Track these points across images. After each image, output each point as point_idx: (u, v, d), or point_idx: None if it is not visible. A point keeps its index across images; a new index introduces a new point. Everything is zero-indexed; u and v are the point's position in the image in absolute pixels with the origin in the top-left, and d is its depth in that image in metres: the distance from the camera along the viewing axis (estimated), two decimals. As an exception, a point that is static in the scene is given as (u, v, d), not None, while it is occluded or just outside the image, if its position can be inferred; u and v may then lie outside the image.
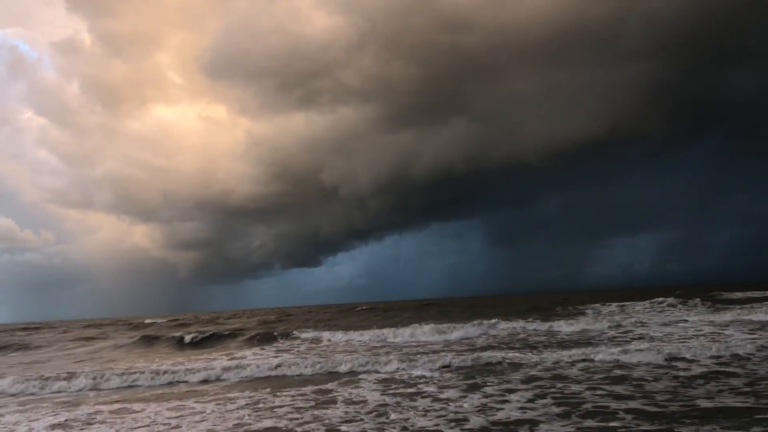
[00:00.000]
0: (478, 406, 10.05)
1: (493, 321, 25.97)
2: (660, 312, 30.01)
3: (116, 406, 12.27)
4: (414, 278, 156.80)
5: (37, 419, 11.32)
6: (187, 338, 28.25)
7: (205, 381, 15.26)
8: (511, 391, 11.18)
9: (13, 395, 14.82)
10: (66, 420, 11.05)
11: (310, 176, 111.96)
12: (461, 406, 10.12)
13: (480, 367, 14.37)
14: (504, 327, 24.79)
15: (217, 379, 15.37)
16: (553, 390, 11.06)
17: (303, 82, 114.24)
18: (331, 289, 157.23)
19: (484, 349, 18.04)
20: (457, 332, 23.33)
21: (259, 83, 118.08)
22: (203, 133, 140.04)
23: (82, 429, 10.26)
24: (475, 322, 25.40)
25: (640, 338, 18.78)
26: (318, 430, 9.17)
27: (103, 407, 12.19)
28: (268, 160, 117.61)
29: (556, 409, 9.56)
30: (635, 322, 24.84)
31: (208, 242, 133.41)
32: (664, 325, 23.03)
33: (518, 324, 25.43)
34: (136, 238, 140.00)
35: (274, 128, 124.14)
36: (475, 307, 41.69)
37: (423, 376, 13.37)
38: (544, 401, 10.18)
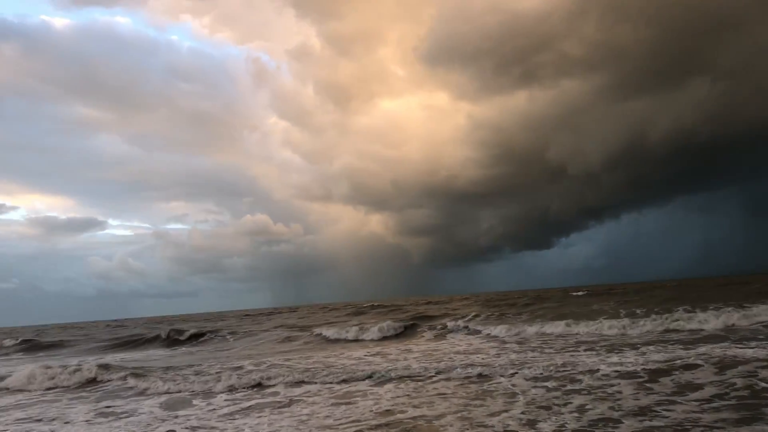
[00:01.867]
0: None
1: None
2: None
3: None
4: (658, 257, 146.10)
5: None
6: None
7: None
8: None
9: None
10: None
11: (535, 155, 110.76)
12: None
13: None
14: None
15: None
16: None
17: (522, 59, 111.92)
18: (566, 271, 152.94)
19: None
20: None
21: (477, 65, 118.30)
22: (427, 121, 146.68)
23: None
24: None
25: None
26: None
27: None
28: (491, 143, 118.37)
29: None
30: None
31: (437, 227, 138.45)
32: None
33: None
34: (372, 226, 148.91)
35: (495, 109, 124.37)
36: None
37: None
38: None
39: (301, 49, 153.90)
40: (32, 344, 37.19)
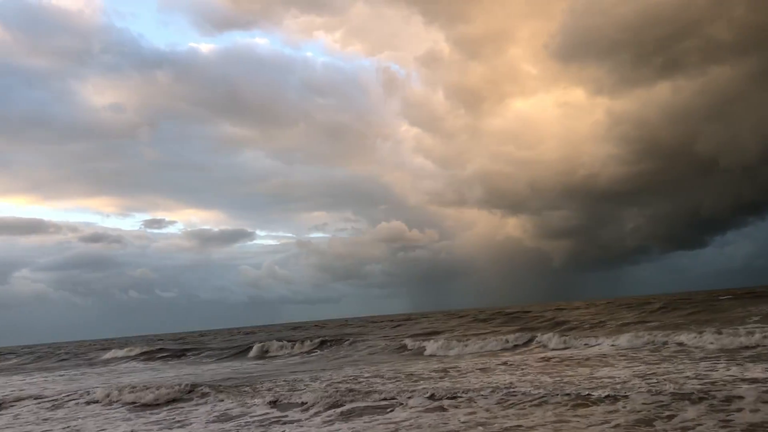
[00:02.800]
0: None
1: None
2: None
3: None
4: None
5: None
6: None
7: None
8: None
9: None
10: None
11: (682, 149, 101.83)
12: None
13: None
14: None
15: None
16: None
17: (664, 48, 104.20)
18: (723, 272, 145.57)
19: None
20: None
21: (614, 58, 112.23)
22: (562, 119, 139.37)
23: None
24: None
25: None
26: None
27: None
28: (633, 138, 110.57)
29: None
30: None
31: (578, 229, 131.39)
32: None
33: None
34: (508, 230, 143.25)
35: (635, 103, 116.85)
36: None
37: None
38: None
39: (429, 55, 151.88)
40: (148, 355, 39.82)
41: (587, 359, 16.27)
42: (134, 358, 38.91)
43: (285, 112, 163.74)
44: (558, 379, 12.71)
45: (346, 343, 31.08)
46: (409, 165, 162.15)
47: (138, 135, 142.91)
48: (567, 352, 18.74)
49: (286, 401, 12.95)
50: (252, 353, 31.91)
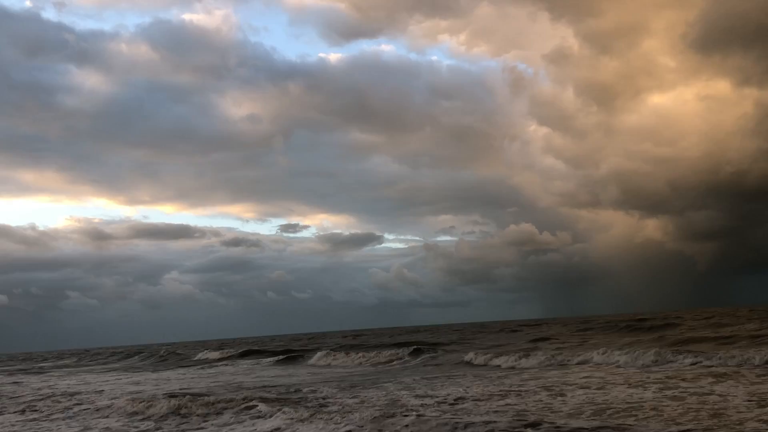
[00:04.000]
0: None
1: None
2: None
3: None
4: None
5: None
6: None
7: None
8: None
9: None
10: None
11: None
12: None
13: None
14: None
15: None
16: None
17: None
18: None
19: None
20: None
21: (762, 45, 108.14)
22: (705, 114, 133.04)
23: None
24: None
25: None
26: None
27: None
28: None
29: None
30: None
31: (726, 230, 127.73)
32: None
33: None
34: (647, 232, 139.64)
35: None
36: None
37: None
38: None
39: (558, 52, 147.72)
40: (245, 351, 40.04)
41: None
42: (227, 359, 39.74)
43: (411, 117, 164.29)
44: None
45: (427, 354, 29.05)
46: (538, 166, 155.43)
47: (273, 144, 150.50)
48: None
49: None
50: (314, 359, 31.12)
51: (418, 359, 27.25)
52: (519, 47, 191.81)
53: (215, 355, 42.23)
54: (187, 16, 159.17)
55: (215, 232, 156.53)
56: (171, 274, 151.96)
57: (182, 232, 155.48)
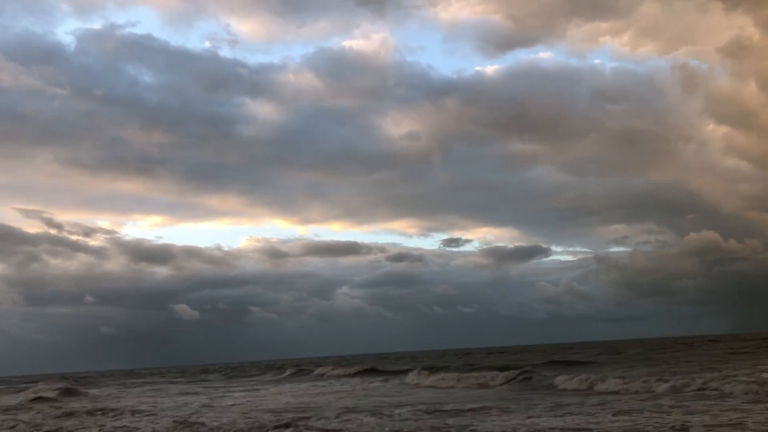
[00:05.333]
0: None
1: None
2: None
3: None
4: None
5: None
6: None
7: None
8: None
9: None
10: None
11: None
12: None
13: None
14: None
15: None
16: None
17: None
18: None
19: None
20: None
21: None
22: None
23: None
24: None
25: None
26: None
27: None
28: None
29: None
30: None
31: None
32: None
33: None
34: None
35: None
36: None
37: None
38: None
39: (735, 44, 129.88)
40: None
41: None
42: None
43: (574, 124, 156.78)
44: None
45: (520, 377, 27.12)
46: (719, 168, 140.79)
47: (432, 160, 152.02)
48: None
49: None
50: (409, 378, 30.81)
51: (505, 384, 25.95)
52: (690, 43, 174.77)
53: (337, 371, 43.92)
54: (347, 43, 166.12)
55: (381, 248, 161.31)
56: (342, 289, 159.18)
57: (350, 248, 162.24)
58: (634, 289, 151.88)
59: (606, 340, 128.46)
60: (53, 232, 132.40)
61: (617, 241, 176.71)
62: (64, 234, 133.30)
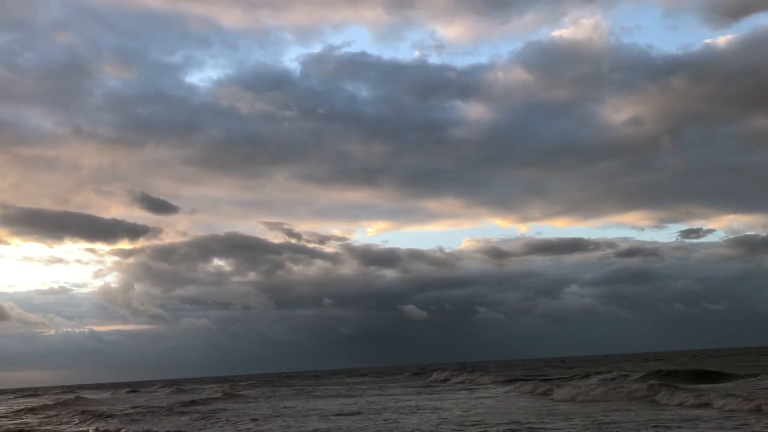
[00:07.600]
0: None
1: None
2: None
3: None
4: None
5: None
6: None
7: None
8: None
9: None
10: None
11: None
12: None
13: None
14: None
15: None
16: None
17: None
18: None
19: None
20: None
21: None
22: None
23: None
24: None
25: None
26: None
27: None
28: None
29: None
30: None
31: None
32: None
33: None
34: None
35: None
36: None
37: None
38: None
39: None
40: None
41: None
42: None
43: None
44: None
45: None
46: None
47: (660, 145, 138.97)
48: None
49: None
50: (557, 396, 26.39)
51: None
52: None
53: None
54: (556, 33, 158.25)
55: (609, 243, 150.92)
56: (570, 287, 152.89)
57: (576, 245, 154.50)
58: None
59: None
60: (293, 241, 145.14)
61: None
62: (303, 242, 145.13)
